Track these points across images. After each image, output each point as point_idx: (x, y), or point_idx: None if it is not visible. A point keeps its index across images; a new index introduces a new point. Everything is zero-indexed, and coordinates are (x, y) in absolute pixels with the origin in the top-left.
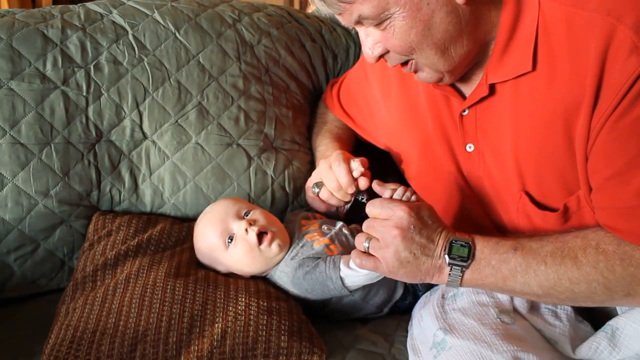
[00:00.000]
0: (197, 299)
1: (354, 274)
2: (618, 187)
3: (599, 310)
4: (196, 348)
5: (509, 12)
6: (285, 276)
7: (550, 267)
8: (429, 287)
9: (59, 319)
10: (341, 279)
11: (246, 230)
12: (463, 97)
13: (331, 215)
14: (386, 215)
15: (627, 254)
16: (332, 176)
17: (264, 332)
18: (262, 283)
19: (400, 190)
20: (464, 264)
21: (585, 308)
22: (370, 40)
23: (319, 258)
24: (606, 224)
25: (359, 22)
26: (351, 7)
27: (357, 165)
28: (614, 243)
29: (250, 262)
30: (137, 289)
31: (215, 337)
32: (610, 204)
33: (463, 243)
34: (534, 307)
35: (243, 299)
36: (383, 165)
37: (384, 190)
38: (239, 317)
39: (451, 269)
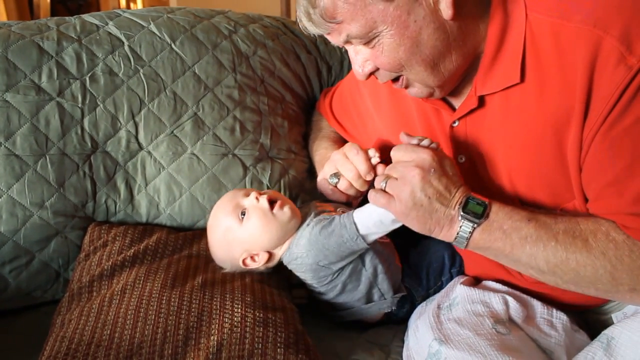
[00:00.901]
0: (193, 310)
1: (367, 216)
2: (615, 196)
3: (595, 319)
4: None
5: (496, 25)
6: (303, 239)
7: (560, 244)
8: (426, 296)
9: (54, 330)
10: (355, 224)
11: (257, 198)
12: (453, 109)
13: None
14: (409, 157)
15: (637, 246)
16: (350, 165)
17: (260, 344)
18: (259, 291)
19: (427, 140)
20: (477, 220)
21: (582, 317)
22: (360, 58)
23: (334, 216)
24: (620, 224)
25: (347, 41)
26: (339, 27)
27: (374, 153)
28: (624, 233)
29: (267, 229)
30: (132, 300)
31: (210, 349)
32: (610, 212)
33: (479, 201)
34: (529, 316)
35: (239, 310)
36: None
37: (411, 139)
38: (234, 329)
39: (462, 224)
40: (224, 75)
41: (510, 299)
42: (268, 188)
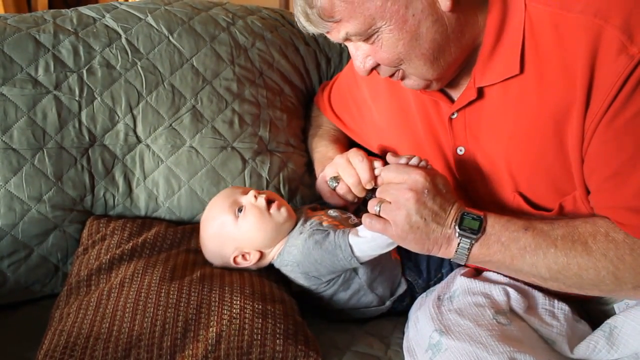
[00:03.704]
0: (192, 302)
1: (363, 240)
2: (617, 188)
3: (597, 309)
4: (190, 352)
5: (494, 16)
6: (295, 249)
7: (560, 251)
8: (426, 287)
9: (53, 324)
10: (350, 246)
11: (255, 197)
12: (451, 100)
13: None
14: (401, 179)
15: (637, 244)
16: (352, 171)
17: (259, 335)
18: (258, 284)
19: (415, 158)
20: (474, 236)
21: (583, 307)
22: (361, 54)
23: (328, 230)
24: (616, 220)
25: (347, 38)
26: (338, 26)
27: (378, 164)
28: (623, 232)
29: (262, 228)
30: (131, 293)
31: (209, 341)
32: (611, 205)
33: (475, 216)
34: (530, 307)
35: (238, 302)
36: None
37: (399, 159)
38: (233, 320)
39: (460, 241)
40: (222, 67)
41: (511, 290)
42: (267, 182)
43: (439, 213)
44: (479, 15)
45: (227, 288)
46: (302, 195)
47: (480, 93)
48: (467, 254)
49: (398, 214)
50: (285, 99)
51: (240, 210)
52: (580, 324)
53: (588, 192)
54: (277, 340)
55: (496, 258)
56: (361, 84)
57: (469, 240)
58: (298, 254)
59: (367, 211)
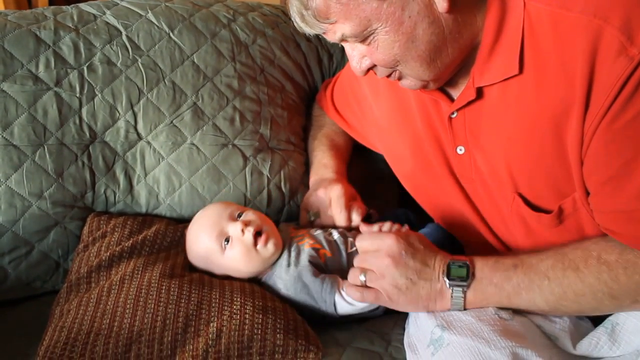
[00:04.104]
0: (192, 299)
1: (349, 306)
2: (616, 191)
3: None
4: (191, 347)
5: (493, 15)
6: (282, 283)
7: (553, 282)
8: None
9: (53, 320)
10: (334, 305)
11: (242, 231)
12: (451, 99)
13: None
14: (376, 246)
15: (630, 262)
16: (331, 216)
17: (260, 330)
18: (257, 285)
19: (386, 224)
20: (464, 283)
21: None
22: (357, 55)
23: (317, 276)
24: (606, 227)
25: (343, 39)
26: (334, 27)
27: (356, 217)
28: (615, 252)
29: (248, 263)
30: (131, 289)
31: (210, 336)
32: (609, 208)
33: (461, 264)
34: None
35: (238, 299)
36: (377, 169)
37: (370, 227)
38: (234, 316)
39: (452, 291)
40: (223, 64)
41: None
42: (268, 179)
43: (422, 269)
44: (477, 15)
45: (227, 287)
46: (302, 194)
47: (480, 93)
48: (463, 302)
49: (384, 281)
50: (286, 96)
51: (227, 240)
52: (582, 321)
53: (588, 194)
54: (278, 335)
55: (493, 300)
56: (362, 82)
57: (461, 288)
58: (285, 289)
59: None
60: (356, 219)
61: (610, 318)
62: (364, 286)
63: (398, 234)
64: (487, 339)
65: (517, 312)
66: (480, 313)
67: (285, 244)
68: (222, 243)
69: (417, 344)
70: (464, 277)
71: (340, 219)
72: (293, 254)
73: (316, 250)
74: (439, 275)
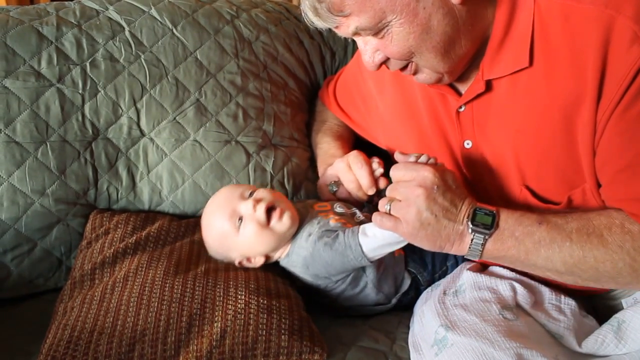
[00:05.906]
0: (196, 297)
1: (373, 239)
2: (630, 180)
3: (604, 304)
4: (195, 348)
5: (504, 8)
6: (304, 251)
7: (575, 244)
8: (432, 281)
9: (57, 318)
10: (360, 245)
11: (254, 207)
12: (459, 93)
13: None
14: (410, 176)
15: None
16: (351, 176)
17: (264, 331)
18: (262, 279)
19: (424, 156)
20: (487, 232)
21: (590, 303)
22: (370, 49)
23: (337, 231)
24: (630, 212)
25: (356, 33)
26: (347, 20)
27: (377, 167)
28: (638, 223)
29: (263, 240)
30: (135, 287)
31: (214, 336)
32: (625, 197)
33: (487, 212)
34: (537, 302)
35: (243, 297)
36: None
37: (408, 157)
38: (238, 316)
39: (473, 237)
40: (226, 60)
41: (517, 285)
42: (272, 176)
43: (450, 209)
44: (489, 8)
45: (231, 283)
46: (306, 190)
47: (489, 86)
48: (481, 249)
49: (408, 211)
50: (289, 93)
51: (240, 219)
52: (587, 319)
53: (599, 185)
54: (282, 336)
55: (510, 253)
56: (367, 77)
57: (483, 236)
58: (308, 256)
59: (374, 209)
60: (376, 167)
61: (616, 316)
62: (388, 214)
63: (434, 168)
64: (492, 340)
65: (521, 312)
66: (485, 313)
67: (307, 218)
68: (235, 223)
69: (421, 343)
70: (489, 226)
71: (362, 175)
72: (317, 225)
73: (343, 223)
74: (464, 218)
